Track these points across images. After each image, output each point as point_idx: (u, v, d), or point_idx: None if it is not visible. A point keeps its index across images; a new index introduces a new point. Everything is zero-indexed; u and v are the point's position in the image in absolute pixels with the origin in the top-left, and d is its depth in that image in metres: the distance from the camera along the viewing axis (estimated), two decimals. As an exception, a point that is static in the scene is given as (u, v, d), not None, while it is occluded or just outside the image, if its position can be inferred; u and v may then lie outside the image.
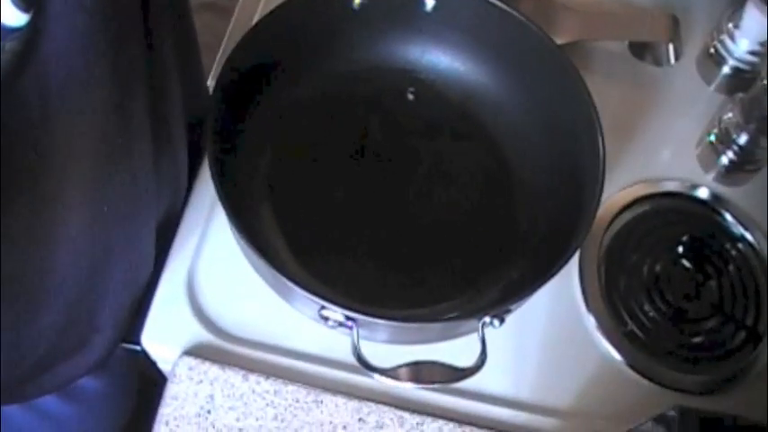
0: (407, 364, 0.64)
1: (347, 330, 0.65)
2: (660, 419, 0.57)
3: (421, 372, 0.64)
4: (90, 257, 0.64)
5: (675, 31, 0.89)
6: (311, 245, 0.74)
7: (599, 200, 0.68)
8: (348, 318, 0.64)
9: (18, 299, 0.61)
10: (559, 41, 0.79)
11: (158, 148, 0.65)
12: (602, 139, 0.70)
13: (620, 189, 0.83)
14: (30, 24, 0.46)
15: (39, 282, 0.61)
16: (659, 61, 0.91)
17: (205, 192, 0.79)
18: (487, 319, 0.65)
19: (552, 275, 0.65)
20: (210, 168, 0.65)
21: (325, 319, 0.65)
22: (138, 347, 0.75)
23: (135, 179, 0.64)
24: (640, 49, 0.91)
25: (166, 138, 0.68)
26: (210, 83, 0.84)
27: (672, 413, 0.55)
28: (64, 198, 0.58)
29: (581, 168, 0.72)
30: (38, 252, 0.59)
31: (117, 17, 0.53)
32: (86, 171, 0.58)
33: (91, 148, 0.57)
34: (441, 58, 0.82)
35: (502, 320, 0.66)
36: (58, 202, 0.57)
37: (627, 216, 0.82)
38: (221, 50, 0.91)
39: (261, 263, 0.64)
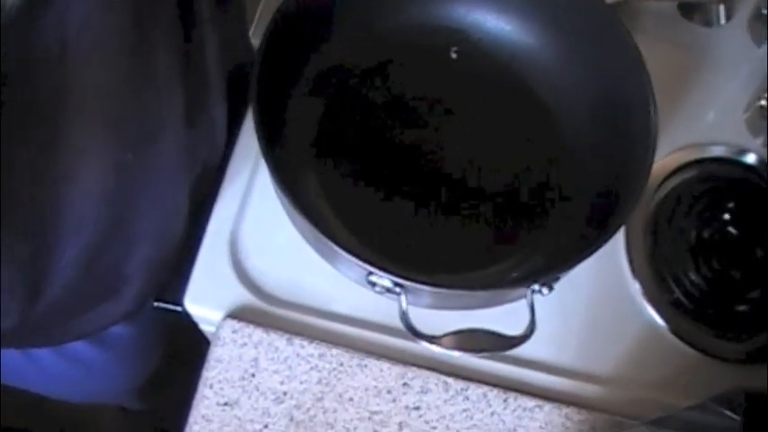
0: (456, 332, 0.63)
1: (394, 296, 0.65)
2: (722, 400, 0.57)
3: (469, 340, 0.63)
4: (113, 203, 0.63)
5: (726, -11, 0.87)
6: (356, 209, 0.73)
7: (650, 168, 0.67)
8: (396, 284, 0.63)
9: (32, 231, 0.61)
10: (607, 1, 0.77)
11: (192, 101, 0.64)
12: (655, 104, 0.69)
13: (667, 154, 0.81)
14: None
15: (55, 218, 0.61)
16: (709, 22, 0.88)
17: (249, 150, 0.78)
18: (536, 286, 0.65)
19: (603, 243, 0.64)
20: (256, 127, 0.64)
21: (373, 284, 0.65)
22: (179, 309, 0.75)
23: (161, 127, 0.62)
24: (690, 9, 0.89)
25: (202, 89, 0.67)
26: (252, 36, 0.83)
27: (736, 395, 0.54)
28: (81, 139, 0.57)
29: (630, 133, 0.71)
30: (54, 188, 0.59)
31: None
32: (106, 116, 0.57)
33: (109, 92, 0.56)
34: (486, 17, 0.80)
35: (551, 288, 0.66)
36: (75, 142, 0.57)
37: (673, 181, 0.81)
38: (262, 2, 0.89)
39: (307, 226, 0.64)
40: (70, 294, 0.68)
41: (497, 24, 0.80)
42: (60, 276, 0.66)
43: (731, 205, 0.80)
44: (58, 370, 0.85)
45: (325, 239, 0.62)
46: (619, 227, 0.65)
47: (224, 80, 0.69)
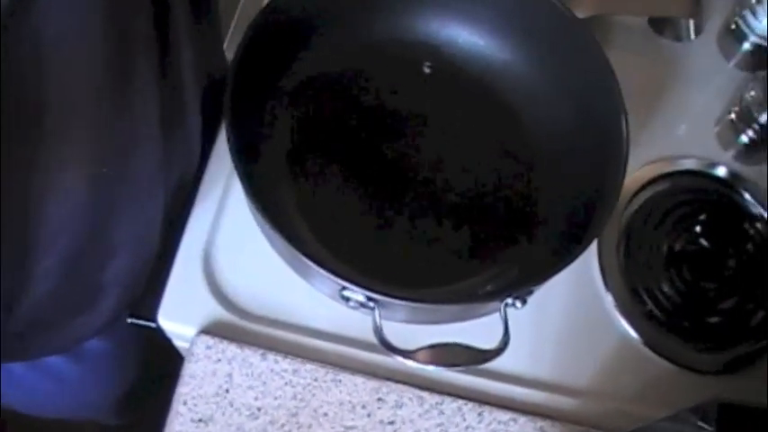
0: (430, 347, 0.63)
1: (368, 311, 0.65)
2: (696, 411, 0.57)
3: (444, 354, 0.63)
4: (89, 215, 0.63)
5: (696, 5, 0.87)
6: (330, 222, 0.73)
7: (622, 181, 0.67)
8: (369, 298, 0.63)
9: (7, 244, 0.60)
10: (580, 16, 0.78)
11: (168, 113, 0.64)
12: (626, 118, 0.69)
13: (638, 167, 0.82)
14: None
15: (31, 231, 0.61)
16: (679, 36, 0.90)
17: (222, 164, 0.77)
18: (510, 299, 0.65)
19: (576, 257, 0.64)
20: (228, 141, 0.64)
21: (346, 299, 0.64)
22: (153, 325, 0.75)
23: (137, 140, 0.62)
24: (660, 24, 0.90)
25: (177, 102, 0.67)
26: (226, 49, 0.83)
27: (710, 406, 0.55)
28: (58, 154, 0.57)
29: (603, 147, 0.71)
30: (30, 201, 0.58)
31: None
32: (82, 127, 0.57)
33: (86, 106, 0.56)
34: (459, 32, 0.81)
35: (524, 301, 0.66)
36: (51, 157, 0.56)
37: (645, 194, 0.82)
38: (236, 15, 0.89)
39: (280, 241, 0.64)
40: (46, 307, 0.68)
41: (470, 39, 0.81)
42: (36, 289, 0.65)
43: (702, 218, 0.80)
44: (32, 384, 0.84)
45: (298, 254, 0.62)
46: (592, 240, 0.66)
47: (199, 93, 0.69)
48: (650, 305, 0.76)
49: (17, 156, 0.54)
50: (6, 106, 0.50)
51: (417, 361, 0.63)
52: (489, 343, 0.64)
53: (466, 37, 0.81)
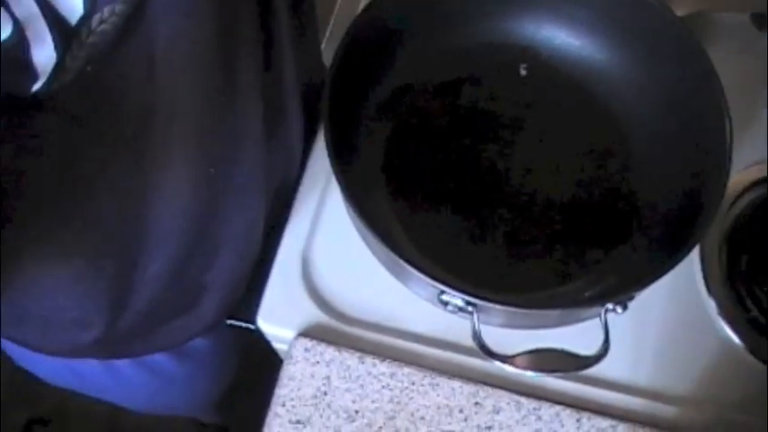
0: (529, 352, 0.63)
1: (466, 315, 0.65)
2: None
3: (543, 360, 0.63)
4: (196, 216, 0.65)
5: (801, 0, 0.85)
6: (427, 227, 0.74)
7: (725, 184, 0.66)
8: (468, 303, 0.63)
9: (119, 246, 0.62)
10: (678, 13, 0.76)
11: (270, 115, 0.65)
12: (729, 118, 0.67)
13: (741, 169, 0.80)
14: None
15: (141, 234, 0.62)
16: (783, 33, 0.87)
17: (320, 170, 0.78)
18: (610, 305, 0.64)
19: (678, 261, 0.63)
20: (327, 147, 0.65)
21: (445, 303, 0.65)
22: (252, 327, 0.76)
23: (240, 140, 0.64)
24: (762, 21, 0.87)
25: (279, 105, 0.68)
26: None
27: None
28: (167, 155, 0.58)
29: (705, 148, 0.70)
30: (140, 206, 0.60)
31: None
32: (190, 131, 0.58)
33: (194, 107, 0.57)
34: (556, 33, 0.80)
35: (625, 306, 0.65)
36: (160, 159, 0.58)
37: (749, 197, 0.79)
38: (331, 22, 0.90)
39: (378, 245, 0.64)
40: (153, 307, 0.70)
41: (566, 40, 0.80)
42: (144, 290, 0.67)
43: (809, 221, 0.78)
44: (138, 381, 0.86)
45: (396, 258, 0.63)
46: (694, 244, 0.64)
47: (300, 94, 0.70)
48: (754, 311, 0.74)
49: (127, 156, 0.56)
50: (117, 108, 0.52)
51: (516, 366, 0.63)
52: (588, 348, 0.64)
53: (562, 38, 0.80)
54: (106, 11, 0.45)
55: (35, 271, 0.59)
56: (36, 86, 0.45)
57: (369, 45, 0.72)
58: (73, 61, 0.46)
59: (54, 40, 0.44)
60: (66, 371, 0.83)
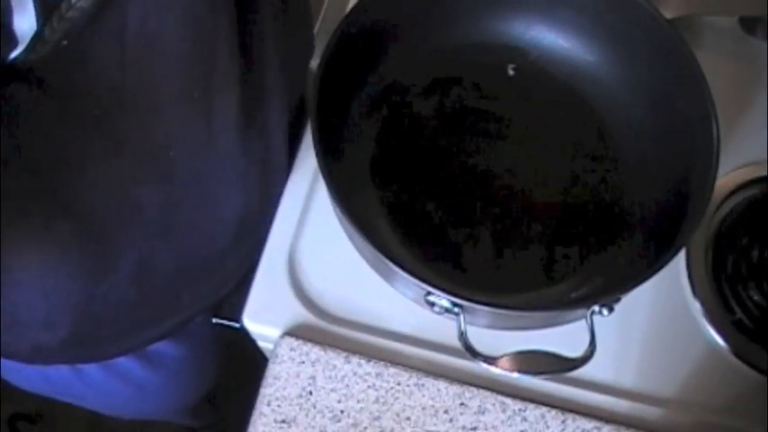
0: (515, 353, 0.63)
1: (452, 316, 0.64)
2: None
3: (529, 361, 0.63)
4: (166, 207, 0.64)
5: (789, 4, 0.85)
6: (414, 227, 0.73)
7: (712, 187, 0.66)
8: (455, 304, 0.63)
9: (89, 238, 0.62)
10: (667, 16, 0.76)
11: (248, 107, 0.65)
12: (717, 121, 0.67)
13: (727, 172, 0.80)
14: None
15: (110, 223, 0.62)
16: (771, 37, 0.87)
17: (307, 168, 0.78)
18: (597, 307, 0.64)
19: (665, 264, 0.63)
20: (315, 144, 0.64)
21: (431, 304, 0.64)
22: (237, 325, 0.76)
23: (213, 138, 0.63)
24: (751, 24, 0.87)
25: (259, 90, 0.67)
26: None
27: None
28: (136, 142, 0.58)
29: (692, 151, 0.70)
30: (111, 192, 0.60)
31: None
32: (161, 118, 0.58)
33: (166, 94, 0.57)
34: (545, 34, 0.80)
35: (611, 309, 0.65)
36: (130, 144, 0.58)
37: (735, 199, 0.80)
38: (320, 18, 0.89)
39: (365, 245, 0.64)
40: (121, 308, 0.69)
41: (555, 41, 0.80)
42: (113, 289, 0.66)
43: (794, 224, 0.78)
44: (109, 387, 0.85)
45: (383, 258, 0.63)
46: (681, 247, 0.64)
47: (284, 88, 0.69)
48: (739, 314, 0.74)
49: (96, 139, 0.55)
50: (88, 86, 0.52)
51: (502, 368, 0.63)
52: (574, 350, 0.64)
53: (551, 39, 0.80)
54: None
55: (5, 254, 0.57)
56: (14, 53, 0.46)
57: (358, 42, 0.71)
58: (52, 33, 0.46)
59: (36, 9, 0.45)
60: (37, 376, 0.82)
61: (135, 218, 0.63)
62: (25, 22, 0.45)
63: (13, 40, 0.45)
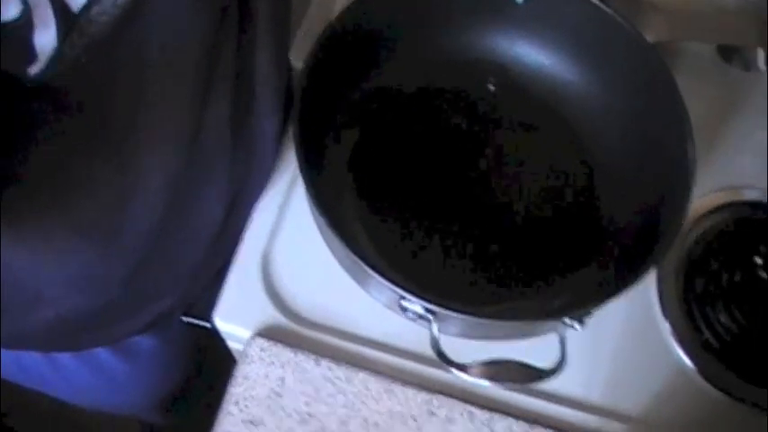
0: (486, 362, 0.63)
1: (424, 322, 0.65)
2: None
3: (499, 370, 0.63)
4: (163, 219, 0.64)
5: (766, 34, 0.86)
6: (390, 234, 0.74)
7: (687, 209, 0.66)
8: (428, 310, 0.63)
9: (89, 248, 0.61)
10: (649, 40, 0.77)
11: (239, 112, 0.65)
12: (693, 145, 0.68)
13: (700, 195, 0.81)
14: None
15: (113, 233, 0.62)
16: (748, 66, 0.88)
17: (285, 169, 0.78)
18: (568, 320, 0.64)
19: (636, 281, 0.64)
20: (296, 147, 0.65)
21: (404, 309, 0.65)
22: (207, 325, 0.76)
23: (209, 143, 0.64)
24: (729, 53, 0.89)
25: (248, 96, 0.68)
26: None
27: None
28: (147, 157, 0.58)
29: (667, 173, 0.71)
30: (118, 205, 0.60)
31: None
32: (169, 132, 0.58)
33: (175, 112, 0.57)
34: (527, 52, 0.81)
35: (582, 322, 0.65)
36: (140, 160, 0.58)
37: (707, 223, 0.81)
38: (300, 32, 0.90)
39: (341, 247, 0.64)
40: (106, 306, 0.69)
41: (537, 59, 0.81)
42: (102, 291, 0.66)
43: (764, 249, 0.79)
44: (81, 377, 0.85)
45: (358, 261, 0.63)
46: (653, 265, 0.65)
47: (274, 95, 0.70)
48: (707, 335, 0.75)
49: (110, 154, 0.55)
50: (105, 103, 0.52)
51: (472, 375, 0.63)
52: (544, 362, 0.64)
53: (533, 56, 0.81)
54: (108, 1, 0.45)
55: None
56: (34, 70, 0.45)
57: (343, 49, 0.72)
58: (71, 50, 0.46)
59: (56, 25, 0.44)
60: (9, 361, 0.82)
61: (138, 227, 0.63)
62: (46, 38, 0.44)
63: (32, 56, 0.45)
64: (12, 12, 0.42)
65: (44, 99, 0.48)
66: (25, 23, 0.43)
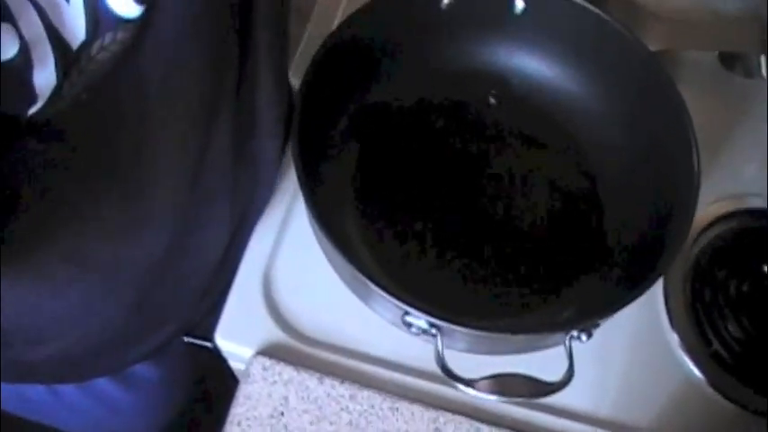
0: (492, 376, 0.62)
1: (429, 338, 0.64)
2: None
3: (506, 384, 0.62)
4: (167, 251, 0.64)
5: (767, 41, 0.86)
6: (392, 249, 0.73)
7: (692, 219, 0.66)
8: (432, 325, 0.62)
9: (92, 280, 0.61)
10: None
11: (239, 137, 0.64)
12: (698, 154, 0.68)
13: (706, 204, 0.80)
14: (142, 16, 0.45)
15: (117, 267, 0.61)
16: (750, 73, 0.88)
17: (285, 187, 0.77)
18: (575, 332, 0.63)
19: (642, 292, 0.63)
20: (295, 164, 0.64)
21: (408, 325, 0.64)
22: (208, 344, 0.75)
23: (211, 169, 0.63)
24: (731, 60, 0.88)
25: (250, 130, 0.67)
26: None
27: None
28: (152, 190, 0.57)
29: (673, 183, 0.70)
30: (123, 240, 0.59)
31: (218, 15, 0.52)
32: (173, 163, 0.58)
33: (178, 141, 0.57)
34: (528, 63, 0.80)
35: (589, 335, 0.64)
36: (145, 194, 0.57)
37: (713, 232, 0.80)
38: (299, 51, 0.89)
39: (343, 263, 0.63)
40: (108, 335, 0.68)
41: (539, 70, 0.80)
42: (106, 320, 0.66)
43: (771, 258, 0.78)
44: (83, 408, 0.84)
45: (361, 277, 0.62)
46: (658, 276, 0.64)
47: (276, 119, 0.69)
48: (716, 345, 0.74)
49: (114, 190, 0.54)
50: (109, 140, 0.51)
51: (479, 390, 0.62)
52: (551, 376, 0.63)
53: (534, 67, 0.80)
54: (108, 38, 0.45)
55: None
56: (33, 109, 0.44)
57: (341, 63, 0.71)
58: (71, 87, 0.45)
59: (55, 63, 0.43)
60: (10, 393, 0.81)
61: (142, 263, 0.63)
62: (45, 77, 0.44)
63: (31, 96, 0.44)
64: (10, 51, 0.41)
65: (44, 135, 0.48)
66: (24, 62, 0.42)
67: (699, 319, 0.75)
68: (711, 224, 0.80)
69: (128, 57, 0.47)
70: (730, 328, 0.75)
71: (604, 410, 0.71)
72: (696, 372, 0.73)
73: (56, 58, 0.43)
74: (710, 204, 0.81)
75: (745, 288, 0.77)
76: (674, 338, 0.74)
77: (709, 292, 0.76)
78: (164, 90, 0.52)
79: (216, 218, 0.69)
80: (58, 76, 0.44)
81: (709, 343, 0.74)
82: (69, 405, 0.83)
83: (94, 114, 0.49)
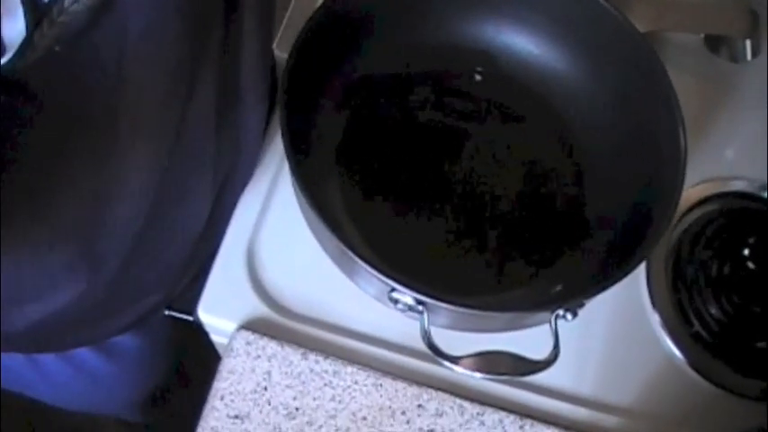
0: (478, 354, 0.62)
1: (415, 314, 0.63)
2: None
3: (491, 362, 0.62)
4: (144, 216, 0.62)
5: (754, 26, 0.86)
6: (379, 225, 0.72)
7: (678, 200, 0.66)
8: (419, 302, 0.62)
9: (73, 248, 0.60)
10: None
11: (223, 107, 0.63)
12: (685, 135, 0.68)
13: (689, 186, 0.80)
14: None
15: (96, 232, 0.60)
16: (735, 57, 0.88)
17: (270, 160, 0.77)
18: (561, 311, 0.63)
19: (627, 272, 0.63)
20: (282, 134, 0.63)
21: (395, 301, 0.63)
22: (190, 318, 0.74)
23: (193, 137, 0.62)
24: (716, 43, 0.88)
25: (233, 89, 0.66)
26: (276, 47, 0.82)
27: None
28: (130, 151, 0.56)
29: (658, 164, 0.70)
30: (98, 203, 0.58)
31: None
32: (151, 126, 0.57)
33: (157, 103, 0.56)
34: (515, 40, 0.79)
35: (575, 313, 0.64)
36: (121, 155, 0.56)
37: (695, 214, 0.80)
38: (284, 22, 0.88)
39: (328, 237, 0.62)
40: (90, 307, 0.67)
41: (526, 47, 0.79)
42: (88, 290, 0.64)
43: (752, 240, 0.79)
44: (63, 378, 0.83)
45: (347, 251, 0.61)
46: (644, 257, 0.64)
47: (259, 86, 0.68)
48: (697, 326, 0.75)
49: (88, 148, 0.53)
50: (84, 96, 0.50)
51: (464, 367, 0.62)
52: (535, 355, 0.63)
53: (521, 44, 0.79)
54: None
55: None
56: (2, 61, 0.44)
57: (329, 35, 0.70)
58: (41, 39, 0.44)
59: (25, 14, 0.43)
60: None
61: (119, 230, 0.61)
62: (13, 28, 0.43)
63: (0, 48, 0.43)
64: None
65: (15, 92, 0.47)
66: None
67: (680, 300, 0.76)
68: (694, 206, 0.81)
69: (103, 9, 0.46)
70: (711, 309, 0.75)
71: (586, 390, 0.72)
72: (677, 352, 0.74)
73: (25, 9, 0.43)
74: (693, 186, 0.81)
75: (726, 270, 0.77)
76: (655, 319, 0.75)
77: (690, 273, 0.77)
78: (143, 47, 0.51)
79: (198, 187, 0.68)
80: (27, 28, 0.43)
81: (690, 324, 0.75)
82: (49, 375, 0.82)
83: (67, 69, 0.48)
